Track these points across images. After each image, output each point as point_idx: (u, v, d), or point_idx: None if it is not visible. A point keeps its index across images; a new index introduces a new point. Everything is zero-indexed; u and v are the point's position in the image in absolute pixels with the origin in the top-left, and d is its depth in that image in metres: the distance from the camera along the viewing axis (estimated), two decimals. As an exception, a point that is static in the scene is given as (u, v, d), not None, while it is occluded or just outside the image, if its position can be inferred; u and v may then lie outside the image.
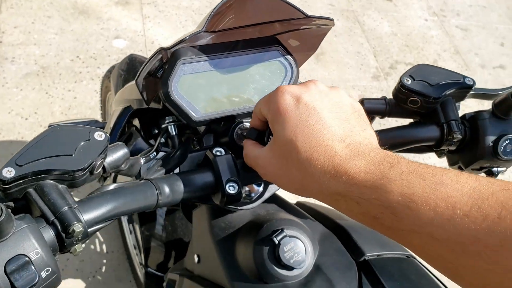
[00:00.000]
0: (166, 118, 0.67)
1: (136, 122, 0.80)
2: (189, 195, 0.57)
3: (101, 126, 0.87)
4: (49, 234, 0.44)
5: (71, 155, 0.46)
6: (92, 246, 1.67)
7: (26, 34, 2.18)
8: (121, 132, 0.75)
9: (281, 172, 0.51)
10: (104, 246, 1.68)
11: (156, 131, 0.79)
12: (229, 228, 0.71)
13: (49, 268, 0.42)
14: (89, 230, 0.46)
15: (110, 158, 0.52)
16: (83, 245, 0.47)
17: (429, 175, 0.41)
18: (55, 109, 1.96)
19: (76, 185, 0.47)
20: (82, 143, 0.47)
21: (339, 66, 2.60)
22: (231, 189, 0.57)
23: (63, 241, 0.44)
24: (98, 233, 1.69)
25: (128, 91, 0.75)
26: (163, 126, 0.67)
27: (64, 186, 0.46)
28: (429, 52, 2.87)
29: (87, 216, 0.46)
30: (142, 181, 0.53)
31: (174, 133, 0.67)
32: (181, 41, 0.54)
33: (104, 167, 0.51)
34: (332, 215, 0.78)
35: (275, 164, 0.51)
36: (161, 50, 0.56)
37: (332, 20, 0.60)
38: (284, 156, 0.50)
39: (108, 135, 0.49)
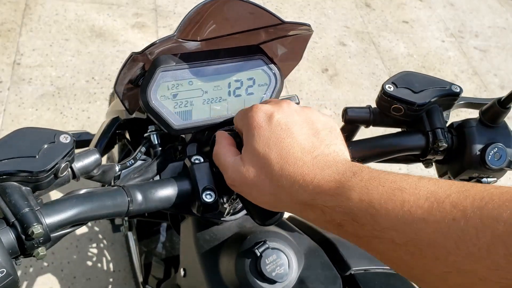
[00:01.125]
0: (149, 127, 0.67)
1: (127, 133, 0.80)
2: (164, 204, 0.56)
3: (92, 138, 0.88)
4: (8, 236, 0.43)
5: (35, 156, 0.46)
6: (99, 265, 1.67)
7: (44, 56, 2.23)
8: (109, 143, 0.76)
9: (252, 183, 0.51)
10: (111, 265, 1.68)
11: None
12: (214, 240, 0.70)
13: (4, 270, 0.41)
14: (53, 234, 0.45)
15: (80, 163, 0.52)
16: (46, 249, 0.46)
17: (388, 181, 0.41)
18: (69, 128, 1.99)
19: (41, 187, 0.47)
20: (46, 146, 0.47)
21: (353, 87, 2.59)
22: (207, 197, 0.56)
23: (23, 244, 0.44)
24: (105, 251, 1.69)
25: (117, 102, 0.76)
26: (146, 135, 0.67)
27: (28, 188, 0.46)
28: (446, 73, 2.84)
29: (49, 219, 0.45)
30: (114, 187, 0.53)
31: (156, 142, 0.67)
32: (152, 45, 0.55)
33: (73, 172, 0.51)
34: (321, 229, 0.76)
35: (245, 174, 0.51)
36: (133, 54, 0.56)
37: (309, 26, 0.60)
38: (257, 167, 0.50)
39: (73, 138, 0.49)
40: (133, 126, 0.79)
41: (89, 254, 1.68)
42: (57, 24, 2.40)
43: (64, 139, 0.48)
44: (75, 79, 2.18)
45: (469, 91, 2.78)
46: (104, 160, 1.04)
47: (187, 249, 0.75)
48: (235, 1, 0.57)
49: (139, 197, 0.53)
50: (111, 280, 1.64)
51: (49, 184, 0.47)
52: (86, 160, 0.53)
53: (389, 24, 3.05)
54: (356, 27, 2.95)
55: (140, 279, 1.23)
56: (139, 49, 0.57)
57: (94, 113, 2.06)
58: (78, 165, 0.52)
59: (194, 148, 0.69)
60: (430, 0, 3.36)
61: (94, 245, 1.71)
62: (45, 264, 1.61)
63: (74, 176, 0.52)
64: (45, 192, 0.49)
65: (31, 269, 1.59)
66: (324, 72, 2.62)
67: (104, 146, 0.74)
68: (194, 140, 0.69)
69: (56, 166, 0.47)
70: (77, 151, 0.53)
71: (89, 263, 1.66)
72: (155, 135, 0.67)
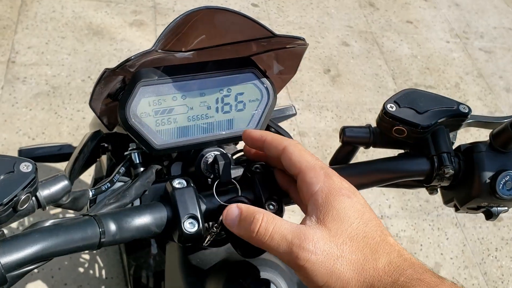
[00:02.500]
0: (130, 144, 0.62)
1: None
2: (141, 233, 0.51)
3: (73, 151, 0.83)
4: None
5: None
6: (91, 271, 1.62)
7: (39, 54, 2.18)
8: (91, 158, 0.71)
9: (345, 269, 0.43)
10: (103, 272, 1.63)
11: None
12: (201, 266, 0.65)
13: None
14: (9, 274, 0.41)
15: (47, 191, 0.47)
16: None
17: None
18: (63, 129, 1.95)
19: None
20: (3, 176, 0.42)
21: (355, 88, 2.53)
22: (189, 226, 0.52)
23: None
24: (98, 257, 1.65)
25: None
26: (126, 153, 0.62)
27: None
28: (450, 75, 2.78)
29: (5, 258, 0.40)
30: (85, 217, 0.48)
31: (137, 162, 0.62)
32: (127, 61, 0.50)
33: (39, 201, 0.46)
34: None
35: (336, 255, 0.43)
36: (106, 71, 0.52)
37: (304, 39, 0.55)
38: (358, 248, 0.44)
39: (35, 165, 0.44)
40: (117, 141, 0.74)
41: (81, 260, 1.64)
42: (54, 21, 2.35)
43: (25, 167, 0.43)
44: (70, 78, 2.14)
45: (474, 94, 2.72)
46: (91, 170, 0.99)
47: (172, 272, 0.70)
48: (222, 12, 0.52)
49: (112, 227, 0.48)
50: (103, 287, 1.60)
51: (8, 218, 0.43)
52: (53, 187, 0.48)
53: (393, 24, 2.99)
54: (360, 27, 2.90)
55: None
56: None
57: (90, 114, 2.01)
58: (44, 193, 0.47)
59: (179, 168, 0.64)
60: (435, 0, 3.30)
61: (86, 251, 1.66)
62: (35, 270, 1.57)
63: (40, 205, 0.47)
64: (6, 224, 0.44)
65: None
66: (326, 73, 2.57)
67: (85, 161, 0.69)
68: (179, 158, 0.64)
69: (15, 199, 0.42)
70: (44, 177, 0.48)
71: (81, 269, 1.61)
72: (136, 154, 0.62)
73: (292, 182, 0.53)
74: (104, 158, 0.84)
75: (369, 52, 2.76)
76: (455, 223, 2.09)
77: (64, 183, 0.49)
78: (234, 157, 0.67)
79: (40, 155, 0.89)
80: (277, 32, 0.53)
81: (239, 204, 0.49)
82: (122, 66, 0.50)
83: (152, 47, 0.50)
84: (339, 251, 0.42)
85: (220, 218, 0.54)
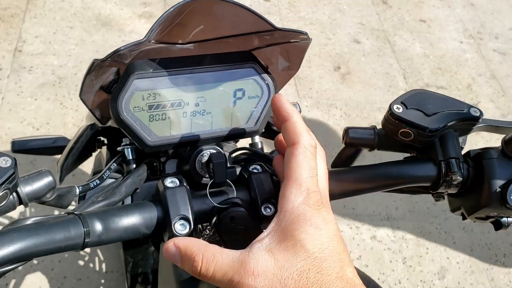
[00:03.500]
0: (123, 139, 0.59)
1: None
2: (129, 234, 0.48)
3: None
4: None
5: None
6: (91, 265, 1.61)
7: (47, 44, 2.17)
8: (85, 151, 0.68)
9: None
10: (103, 265, 1.61)
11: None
12: None
13: None
14: (-17, 274, 0.38)
15: (29, 187, 0.45)
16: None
17: None
18: (68, 120, 1.93)
19: None
20: None
21: (365, 86, 2.49)
22: (180, 228, 0.49)
23: None
24: (98, 250, 1.63)
25: (93, 108, 0.68)
26: (119, 148, 0.59)
27: None
28: (462, 76, 2.73)
29: None
30: (69, 215, 0.45)
31: (130, 158, 0.59)
32: (116, 52, 0.47)
33: (20, 198, 0.44)
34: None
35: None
36: (95, 61, 0.49)
37: (307, 34, 0.51)
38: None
39: (14, 160, 0.41)
40: (113, 134, 0.71)
41: (81, 253, 1.62)
42: (62, 11, 2.33)
43: (3, 162, 0.40)
44: (77, 69, 2.12)
45: (486, 96, 2.67)
46: (91, 161, 0.96)
47: (165, 273, 0.67)
48: (221, 2, 0.49)
49: (98, 226, 0.46)
50: (102, 281, 1.58)
51: (-15, 215, 0.40)
52: (36, 183, 0.45)
53: (405, 22, 2.94)
54: (372, 24, 2.85)
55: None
56: None
57: (95, 105, 2.00)
58: (26, 189, 0.45)
59: (174, 165, 0.61)
60: (450, -2, 3.24)
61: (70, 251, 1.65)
62: (35, 262, 1.56)
63: (21, 202, 0.44)
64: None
65: (20, 267, 1.53)
66: (336, 70, 2.53)
67: (78, 155, 0.67)
68: (175, 155, 0.62)
69: None
70: (27, 173, 0.46)
71: (81, 262, 1.60)
72: (129, 149, 0.59)
73: None
74: (104, 150, 0.82)
75: (381, 50, 2.71)
76: (463, 227, 2.05)
77: (48, 179, 0.46)
78: (233, 155, 0.64)
79: (34, 147, 0.86)
80: (279, 26, 0.50)
81: (177, 240, 0.45)
82: (111, 56, 0.47)
83: (145, 37, 0.47)
84: (281, 287, 0.39)
85: (213, 221, 0.52)
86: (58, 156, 0.71)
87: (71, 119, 1.94)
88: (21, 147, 0.85)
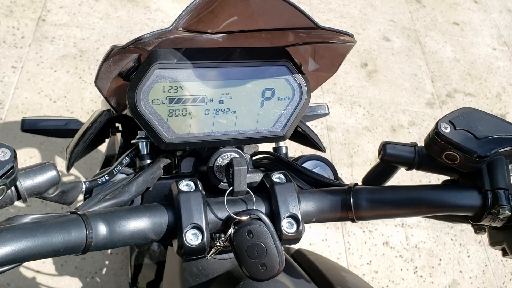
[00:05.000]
0: (139, 132, 0.55)
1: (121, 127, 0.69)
2: (136, 240, 0.44)
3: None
4: None
5: None
6: (96, 244, 1.58)
7: (71, 15, 2.13)
8: (98, 136, 0.64)
9: None
10: (109, 246, 1.59)
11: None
12: (201, 275, 0.58)
13: None
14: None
15: (30, 182, 0.40)
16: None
17: None
18: (86, 95, 1.89)
19: None
20: None
21: (392, 86, 2.42)
22: (192, 238, 0.45)
23: None
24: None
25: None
26: (133, 141, 0.55)
27: None
28: (492, 84, 2.64)
29: None
30: (71, 214, 0.41)
31: (144, 152, 0.54)
32: (138, 39, 0.42)
33: (18, 192, 0.39)
34: (329, 272, 0.63)
35: None
36: (114, 48, 0.44)
37: (352, 36, 0.46)
38: None
39: (14, 152, 0.37)
40: (129, 121, 0.67)
41: (88, 232, 1.60)
42: (90, -18, 2.28)
43: (2, 154, 0.36)
44: (99, 43, 2.08)
45: (515, 107, 2.58)
46: (103, 147, 0.92)
47: (171, 277, 0.63)
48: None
49: (102, 230, 0.41)
50: (107, 262, 1.56)
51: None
52: (37, 178, 0.41)
53: (438, 23, 2.85)
54: (403, 22, 2.76)
55: (129, 279, 1.13)
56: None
57: (114, 82, 1.96)
58: (26, 183, 0.40)
59: (190, 164, 0.56)
60: (486, 2, 3.13)
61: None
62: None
63: (20, 197, 0.40)
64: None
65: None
66: (363, 67, 2.46)
67: (91, 139, 0.62)
68: (192, 153, 0.57)
69: None
70: (29, 166, 0.42)
71: (87, 241, 1.57)
72: (144, 143, 0.54)
73: None
74: (119, 135, 0.77)
75: (410, 51, 2.63)
76: (479, 241, 1.99)
77: (52, 173, 0.42)
78: (254, 158, 0.60)
79: (45, 128, 0.82)
80: (321, 24, 0.45)
81: None
82: (132, 44, 0.43)
83: (172, 25, 0.42)
84: None
85: (228, 233, 0.47)
86: (70, 140, 0.67)
87: (89, 94, 1.90)
88: (31, 126, 0.81)
